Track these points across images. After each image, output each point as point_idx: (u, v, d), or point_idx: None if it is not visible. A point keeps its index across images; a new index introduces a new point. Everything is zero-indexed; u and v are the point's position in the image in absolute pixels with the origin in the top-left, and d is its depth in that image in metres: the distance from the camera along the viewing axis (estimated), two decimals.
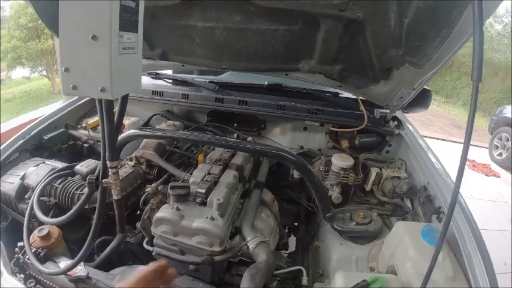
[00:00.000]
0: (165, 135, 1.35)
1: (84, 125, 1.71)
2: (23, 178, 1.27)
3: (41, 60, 10.48)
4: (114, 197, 1.03)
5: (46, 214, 1.16)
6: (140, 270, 0.59)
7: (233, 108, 1.69)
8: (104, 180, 0.97)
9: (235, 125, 1.80)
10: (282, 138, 1.81)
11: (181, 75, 2.02)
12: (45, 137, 1.53)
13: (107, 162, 0.94)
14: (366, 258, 1.22)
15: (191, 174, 1.24)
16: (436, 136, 7.25)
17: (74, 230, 1.22)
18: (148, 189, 1.22)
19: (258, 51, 1.37)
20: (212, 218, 0.98)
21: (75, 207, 1.07)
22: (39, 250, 1.05)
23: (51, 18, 1.26)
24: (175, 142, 1.62)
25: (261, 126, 1.81)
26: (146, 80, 1.93)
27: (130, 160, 1.46)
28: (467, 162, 5.60)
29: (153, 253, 1.07)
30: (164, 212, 1.01)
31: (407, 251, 0.97)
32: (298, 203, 1.67)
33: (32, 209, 1.15)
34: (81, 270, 1.01)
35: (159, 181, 1.33)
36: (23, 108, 8.91)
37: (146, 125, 1.87)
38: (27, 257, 1.05)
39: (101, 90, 0.66)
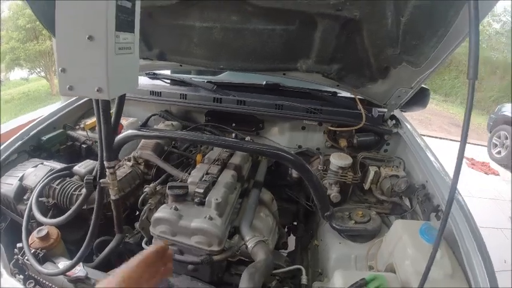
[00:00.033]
0: (163, 135, 1.35)
1: (82, 125, 1.71)
2: (21, 179, 1.27)
3: (39, 61, 10.47)
4: (112, 197, 1.03)
5: (45, 215, 1.16)
6: (142, 252, 0.59)
7: (231, 108, 1.69)
8: (101, 180, 0.98)
9: (233, 124, 1.80)
10: (281, 137, 1.81)
11: (179, 75, 2.02)
12: (44, 138, 1.53)
13: (104, 162, 0.94)
14: (365, 257, 1.22)
15: (189, 174, 1.24)
16: (435, 135, 7.26)
17: (73, 231, 1.22)
18: (147, 189, 1.22)
19: (255, 51, 1.37)
20: (210, 218, 0.98)
21: (73, 208, 1.07)
22: (38, 251, 1.05)
23: (48, 19, 1.26)
24: (173, 142, 1.62)
25: (259, 125, 1.81)
26: (144, 81, 1.93)
27: (129, 160, 1.46)
28: (466, 161, 5.62)
29: None
30: (162, 212, 1.01)
31: (406, 249, 0.98)
32: (297, 203, 1.67)
33: (30, 210, 1.15)
34: (80, 270, 1.01)
35: (157, 181, 1.33)
36: (22, 110, 8.90)
37: (144, 125, 1.87)
38: (26, 257, 1.05)
39: (97, 90, 0.66)
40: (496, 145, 5.93)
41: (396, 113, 1.73)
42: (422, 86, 1.47)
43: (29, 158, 1.45)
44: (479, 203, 4.26)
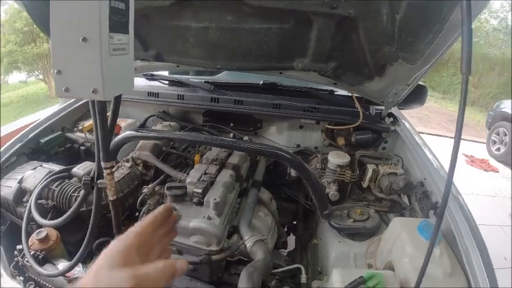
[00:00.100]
0: (162, 136, 1.35)
1: (80, 127, 1.71)
2: (20, 182, 1.27)
3: (37, 64, 10.47)
4: (110, 198, 1.03)
5: (44, 217, 1.16)
6: (149, 214, 0.58)
7: (229, 107, 1.70)
8: (99, 181, 0.98)
9: (231, 124, 1.80)
10: (279, 137, 1.81)
11: (176, 76, 2.02)
12: (42, 141, 1.53)
13: (101, 162, 0.94)
14: (364, 255, 1.22)
15: (188, 174, 1.24)
16: (434, 132, 7.26)
17: (72, 232, 1.22)
18: (145, 190, 1.22)
19: (251, 51, 1.37)
20: (209, 218, 0.98)
21: (71, 209, 1.08)
22: (37, 252, 1.06)
23: (44, 21, 1.26)
24: (171, 143, 1.62)
25: (257, 125, 1.81)
26: (141, 82, 1.93)
27: (127, 161, 1.46)
28: (465, 158, 5.63)
29: None
30: None
31: (404, 246, 0.98)
32: (297, 202, 1.67)
33: (30, 212, 1.15)
34: (79, 271, 1.01)
35: (155, 182, 1.33)
36: (21, 113, 8.91)
37: (142, 126, 1.88)
38: (26, 259, 1.05)
39: (92, 91, 0.67)
40: (495, 142, 5.94)
41: (394, 110, 1.73)
42: (420, 83, 1.47)
43: (28, 161, 1.45)
44: (479, 200, 4.26)
